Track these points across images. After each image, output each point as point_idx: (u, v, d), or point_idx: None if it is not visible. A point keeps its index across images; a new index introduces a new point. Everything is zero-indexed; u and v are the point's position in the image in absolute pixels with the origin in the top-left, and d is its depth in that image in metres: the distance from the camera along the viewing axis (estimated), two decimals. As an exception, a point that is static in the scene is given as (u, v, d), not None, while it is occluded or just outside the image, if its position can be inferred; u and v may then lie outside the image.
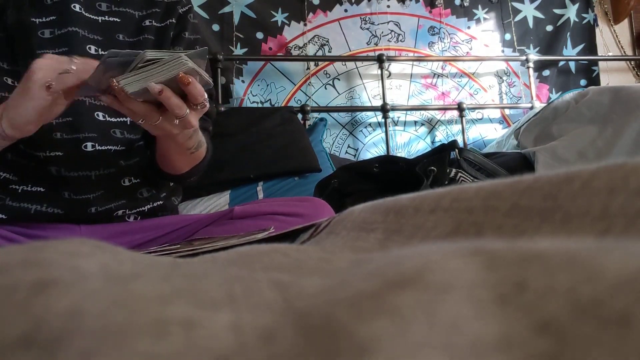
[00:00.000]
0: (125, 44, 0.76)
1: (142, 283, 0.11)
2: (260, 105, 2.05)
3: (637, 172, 0.15)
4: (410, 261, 0.12)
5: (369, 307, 0.10)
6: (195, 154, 0.73)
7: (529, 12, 2.34)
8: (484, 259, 0.12)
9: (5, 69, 0.70)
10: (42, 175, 0.69)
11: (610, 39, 2.43)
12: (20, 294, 0.10)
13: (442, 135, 2.21)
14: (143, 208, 0.77)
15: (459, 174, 1.03)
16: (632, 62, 2.44)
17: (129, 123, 0.75)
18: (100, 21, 0.75)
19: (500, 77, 2.31)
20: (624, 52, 2.44)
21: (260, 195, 1.46)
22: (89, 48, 0.73)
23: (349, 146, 2.12)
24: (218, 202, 1.45)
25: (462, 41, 2.28)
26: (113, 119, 0.74)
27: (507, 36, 2.32)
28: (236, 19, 2.04)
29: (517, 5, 2.33)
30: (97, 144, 0.72)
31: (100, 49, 0.74)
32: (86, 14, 0.73)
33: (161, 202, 0.79)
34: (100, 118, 0.73)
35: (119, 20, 0.77)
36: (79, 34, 0.72)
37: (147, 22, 0.78)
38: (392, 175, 1.10)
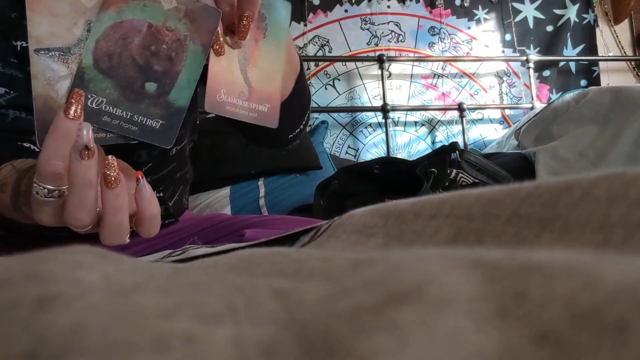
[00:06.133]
0: None
1: (143, 296, 0.12)
2: (260, 105, 2.05)
3: (637, 182, 0.15)
4: (410, 272, 0.12)
5: (369, 321, 0.10)
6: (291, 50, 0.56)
7: (529, 12, 2.34)
8: (484, 270, 0.12)
9: None
10: None
11: (611, 39, 2.43)
12: (23, 311, 0.10)
13: (442, 136, 2.22)
14: None
15: (460, 175, 1.03)
16: (633, 63, 2.44)
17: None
18: None
19: (501, 78, 2.32)
20: (624, 52, 2.44)
21: (262, 190, 1.46)
22: None
23: (349, 147, 2.12)
24: (218, 195, 1.45)
25: (463, 41, 2.28)
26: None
27: (508, 36, 2.32)
28: (236, 19, 2.04)
29: (517, 5, 2.33)
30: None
31: None
32: None
33: (172, 220, 0.75)
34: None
35: None
36: None
37: None
38: (392, 176, 1.10)
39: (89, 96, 0.38)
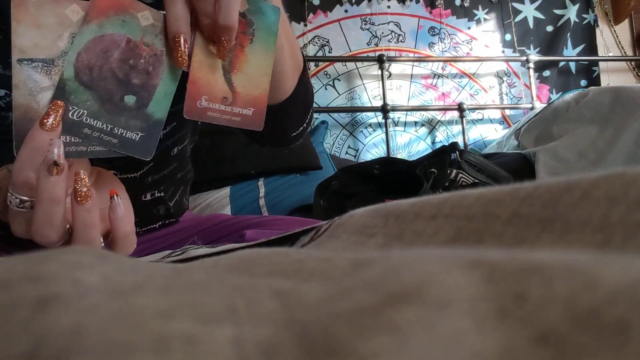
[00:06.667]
0: None
1: (143, 296, 0.12)
2: (260, 105, 2.05)
3: (637, 182, 0.15)
4: (410, 272, 0.12)
5: (370, 322, 0.10)
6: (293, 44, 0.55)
7: (529, 12, 2.34)
8: (483, 271, 0.12)
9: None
10: None
11: (611, 39, 2.43)
12: (23, 311, 0.10)
13: (442, 136, 2.22)
14: (155, 225, 0.71)
15: (460, 176, 1.03)
16: (633, 63, 2.44)
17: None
18: None
19: (501, 78, 2.32)
20: (625, 52, 2.44)
21: (262, 190, 1.46)
22: None
23: (349, 147, 2.13)
24: (218, 195, 1.45)
25: (463, 42, 2.29)
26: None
27: (508, 37, 2.32)
28: (236, 19, 2.05)
29: (517, 5, 2.33)
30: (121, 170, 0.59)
31: None
32: None
33: (173, 220, 0.75)
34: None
35: None
36: None
37: None
38: (392, 176, 1.10)
39: (70, 108, 0.38)
